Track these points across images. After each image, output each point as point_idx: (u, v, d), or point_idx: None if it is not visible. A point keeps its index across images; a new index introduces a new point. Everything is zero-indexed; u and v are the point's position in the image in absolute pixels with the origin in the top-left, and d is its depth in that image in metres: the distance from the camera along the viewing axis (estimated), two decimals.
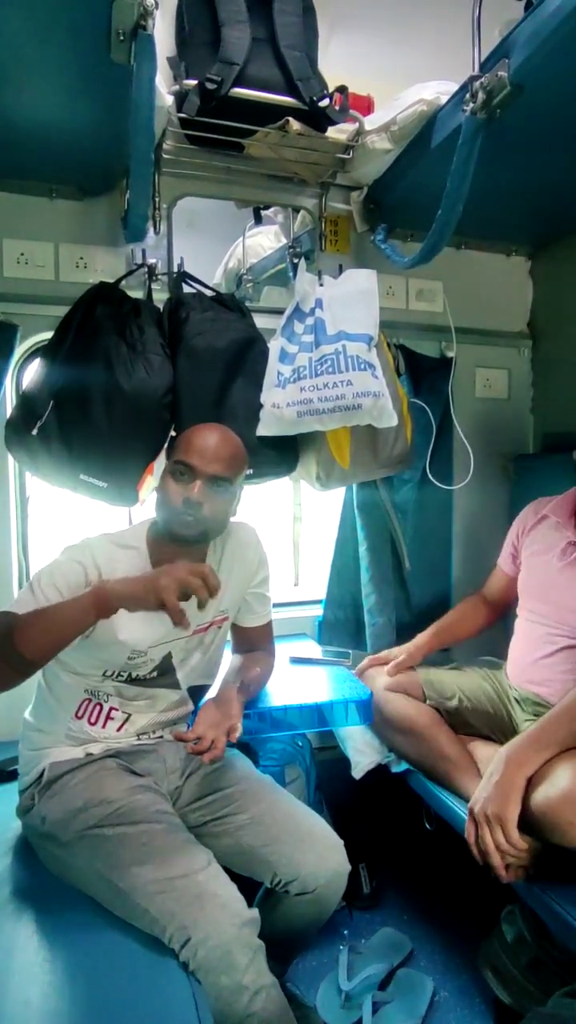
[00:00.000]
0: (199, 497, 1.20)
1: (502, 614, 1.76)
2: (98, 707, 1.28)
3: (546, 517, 1.60)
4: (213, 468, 1.22)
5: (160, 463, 1.48)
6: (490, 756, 1.41)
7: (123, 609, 1.17)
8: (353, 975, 1.49)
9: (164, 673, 1.31)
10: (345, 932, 1.67)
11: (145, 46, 1.07)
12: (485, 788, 1.23)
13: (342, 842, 1.26)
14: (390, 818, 1.85)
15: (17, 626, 1.06)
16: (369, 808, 1.85)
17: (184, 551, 1.26)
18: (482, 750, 1.49)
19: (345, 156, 1.65)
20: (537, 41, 1.11)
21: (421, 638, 1.71)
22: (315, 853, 1.21)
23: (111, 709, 1.29)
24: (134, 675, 1.27)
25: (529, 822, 1.18)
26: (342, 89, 1.52)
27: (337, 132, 1.58)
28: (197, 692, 1.39)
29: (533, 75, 1.16)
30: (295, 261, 1.82)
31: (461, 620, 1.76)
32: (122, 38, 1.06)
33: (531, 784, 1.20)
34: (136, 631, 1.22)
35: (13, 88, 1.24)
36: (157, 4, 1.04)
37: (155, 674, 1.29)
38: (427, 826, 1.58)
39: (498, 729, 1.54)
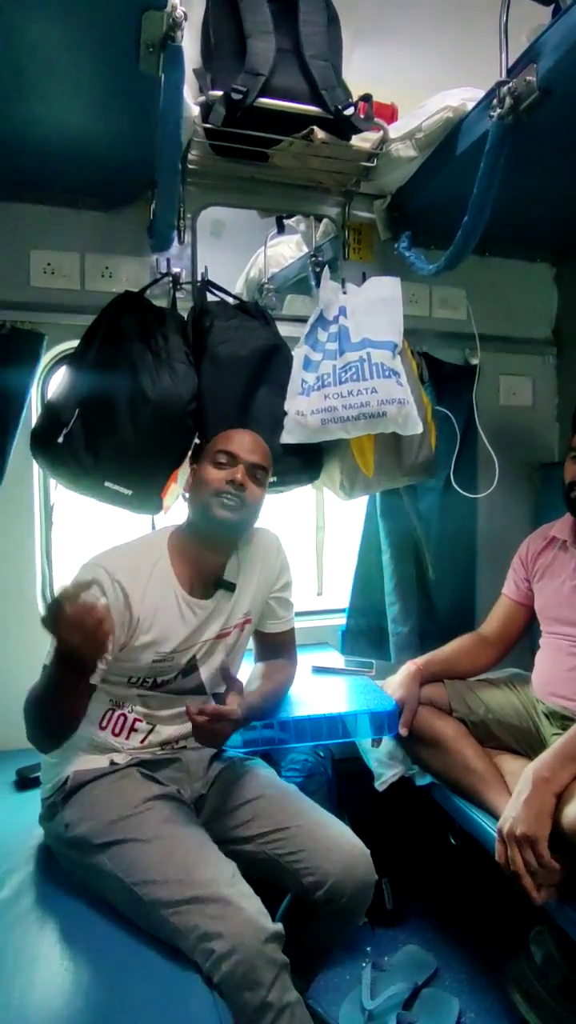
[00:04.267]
0: (244, 479, 1.26)
1: (505, 652, 1.67)
2: (122, 717, 1.28)
3: (555, 539, 1.58)
4: (254, 457, 1.30)
5: (184, 471, 1.48)
6: (517, 770, 1.39)
7: (148, 615, 1.19)
8: (377, 993, 1.46)
9: (188, 674, 1.31)
10: (368, 949, 1.64)
11: (174, 57, 1.08)
12: (514, 807, 1.19)
13: (368, 852, 1.24)
14: (414, 832, 1.82)
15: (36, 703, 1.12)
16: (392, 821, 1.81)
17: (210, 549, 1.29)
18: (509, 763, 1.46)
19: (369, 164, 1.65)
20: (566, 45, 1.10)
21: (412, 675, 1.56)
22: (342, 862, 1.19)
23: (135, 720, 1.29)
24: (159, 680, 1.27)
25: (561, 839, 1.14)
26: (366, 98, 1.53)
27: (361, 140, 1.59)
28: (217, 700, 1.38)
29: (562, 79, 1.15)
30: (317, 270, 1.82)
31: (458, 656, 1.64)
32: (151, 49, 1.07)
33: (561, 801, 1.17)
34: (161, 633, 1.23)
35: (42, 100, 1.26)
36: (186, 16, 1.05)
37: (179, 677, 1.30)
38: (452, 841, 1.55)
39: (525, 742, 1.51)
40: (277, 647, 1.49)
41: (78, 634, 0.99)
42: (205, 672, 1.33)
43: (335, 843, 1.22)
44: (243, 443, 1.31)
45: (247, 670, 1.47)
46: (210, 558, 1.32)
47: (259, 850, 1.22)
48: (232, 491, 1.26)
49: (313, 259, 1.88)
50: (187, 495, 1.34)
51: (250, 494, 1.28)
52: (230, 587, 1.33)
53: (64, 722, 1.16)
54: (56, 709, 1.14)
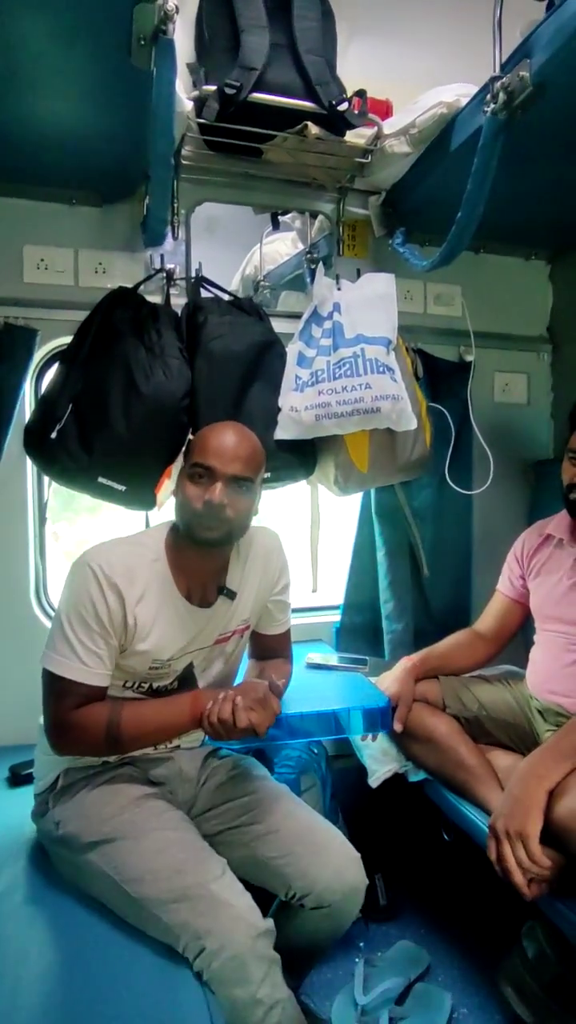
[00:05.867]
0: (221, 499, 1.15)
1: (500, 648, 1.67)
2: None
3: (550, 536, 1.58)
4: (233, 468, 1.17)
5: (178, 466, 1.47)
6: (510, 766, 1.39)
7: (146, 622, 1.17)
8: (369, 989, 1.46)
9: (185, 684, 1.27)
10: (361, 944, 1.64)
11: (165, 50, 1.08)
12: (506, 803, 1.20)
13: (359, 856, 1.24)
14: (407, 828, 1.82)
15: (121, 723, 1.13)
16: (385, 818, 1.82)
17: (206, 555, 1.24)
18: (502, 759, 1.46)
19: (363, 160, 1.64)
20: (560, 41, 1.10)
21: (408, 670, 1.58)
22: (331, 867, 1.18)
23: None
24: (155, 686, 1.24)
25: (552, 835, 1.15)
26: (361, 93, 1.52)
27: (355, 136, 1.58)
28: None
29: (555, 75, 1.15)
30: (312, 266, 1.82)
31: (453, 653, 1.65)
32: (143, 42, 1.07)
33: (553, 797, 1.17)
34: (159, 641, 1.19)
35: (35, 94, 1.25)
36: (177, 8, 1.04)
37: (176, 684, 1.26)
38: (445, 837, 1.55)
39: (519, 739, 1.51)
40: (274, 648, 1.47)
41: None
42: (203, 682, 1.30)
43: (325, 847, 1.21)
44: (222, 452, 1.17)
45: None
46: (208, 564, 1.25)
47: (249, 851, 1.21)
48: (209, 514, 1.16)
49: (308, 256, 1.88)
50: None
51: (231, 509, 1.16)
52: (231, 595, 1.28)
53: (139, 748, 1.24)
54: (150, 743, 1.23)
